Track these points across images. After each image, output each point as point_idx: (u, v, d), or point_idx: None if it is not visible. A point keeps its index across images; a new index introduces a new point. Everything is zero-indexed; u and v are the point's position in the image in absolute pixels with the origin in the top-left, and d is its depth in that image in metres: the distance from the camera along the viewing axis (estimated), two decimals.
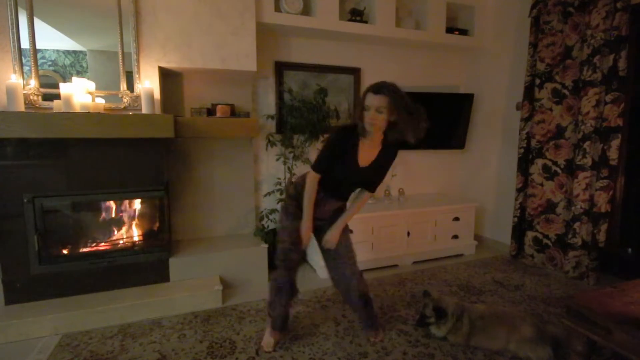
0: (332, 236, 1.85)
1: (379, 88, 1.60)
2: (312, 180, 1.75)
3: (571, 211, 2.76)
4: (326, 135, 3.11)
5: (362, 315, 1.99)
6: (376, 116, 1.60)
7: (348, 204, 1.94)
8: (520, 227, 3.15)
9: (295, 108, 2.93)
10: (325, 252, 1.92)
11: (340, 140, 1.72)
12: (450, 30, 3.41)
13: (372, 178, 1.83)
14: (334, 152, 1.72)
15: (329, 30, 2.96)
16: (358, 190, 1.92)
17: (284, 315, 1.91)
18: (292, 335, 2.02)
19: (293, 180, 1.82)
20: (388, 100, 1.58)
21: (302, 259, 1.94)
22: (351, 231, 2.01)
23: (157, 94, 2.41)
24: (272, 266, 2.82)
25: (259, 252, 2.70)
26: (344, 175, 1.78)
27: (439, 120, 3.51)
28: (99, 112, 2.21)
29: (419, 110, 1.63)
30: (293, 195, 1.84)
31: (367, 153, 1.74)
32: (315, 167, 1.75)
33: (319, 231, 1.91)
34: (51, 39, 2.24)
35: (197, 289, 2.35)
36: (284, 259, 1.82)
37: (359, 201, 1.89)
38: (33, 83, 2.17)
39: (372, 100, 1.59)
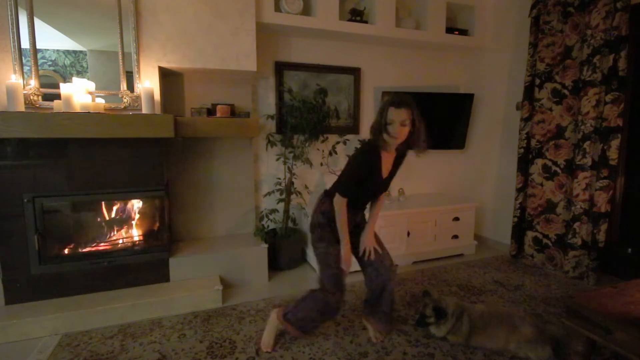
0: (368, 239, 1.94)
1: (400, 102, 1.68)
2: (342, 204, 1.79)
3: (571, 211, 2.76)
4: (326, 136, 3.12)
5: (382, 311, 1.98)
6: (401, 129, 1.68)
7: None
8: (520, 227, 3.15)
9: (295, 108, 2.93)
10: (362, 259, 1.97)
11: (367, 161, 1.79)
12: (450, 30, 3.41)
13: (389, 183, 1.95)
14: (361, 173, 1.78)
15: (329, 30, 2.96)
16: None
17: (318, 325, 2.00)
18: (292, 335, 2.02)
19: (322, 209, 1.89)
20: (410, 112, 1.67)
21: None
22: None
23: (157, 94, 2.41)
24: (273, 267, 2.83)
25: (259, 252, 2.70)
26: (372, 191, 1.89)
27: (439, 120, 3.52)
28: (99, 112, 2.20)
29: (422, 121, 1.75)
30: (325, 224, 1.87)
31: (387, 164, 1.84)
32: (344, 192, 1.79)
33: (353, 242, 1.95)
34: (51, 39, 2.24)
35: (197, 289, 2.35)
36: (338, 283, 1.83)
37: (379, 203, 2.01)
38: (33, 83, 2.17)
39: (397, 115, 1.66)
